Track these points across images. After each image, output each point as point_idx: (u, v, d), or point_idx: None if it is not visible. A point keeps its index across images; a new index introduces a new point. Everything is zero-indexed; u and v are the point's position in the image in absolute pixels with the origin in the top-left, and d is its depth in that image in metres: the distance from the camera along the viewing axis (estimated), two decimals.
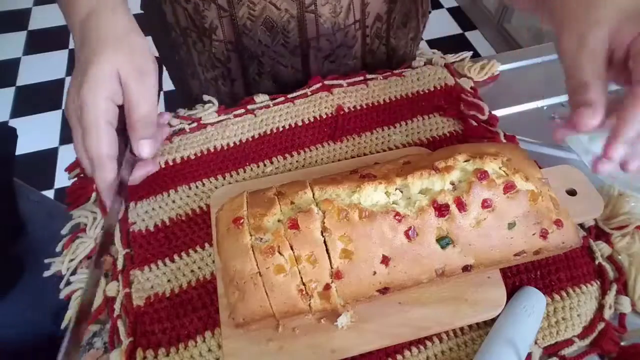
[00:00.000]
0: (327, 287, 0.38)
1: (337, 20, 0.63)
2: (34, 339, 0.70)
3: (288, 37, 0.63)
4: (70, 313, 0.46)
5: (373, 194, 0.40)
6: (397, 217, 0.38)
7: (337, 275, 0.38)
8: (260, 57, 0.64)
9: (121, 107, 0.44)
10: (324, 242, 0.38)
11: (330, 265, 0.38)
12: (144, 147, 0.45)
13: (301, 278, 0.37)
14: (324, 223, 0.38)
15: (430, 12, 0.75)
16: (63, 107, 2.09)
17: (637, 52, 0.36)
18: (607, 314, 0.45)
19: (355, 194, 0.40)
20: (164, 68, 0.75)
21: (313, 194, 0.41)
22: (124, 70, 0.43)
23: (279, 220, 0.39)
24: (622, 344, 0.44)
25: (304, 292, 0.38)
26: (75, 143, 0.44)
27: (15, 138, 0.72)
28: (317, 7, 0.60)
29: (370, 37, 0.67)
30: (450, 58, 0.66)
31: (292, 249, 0.37)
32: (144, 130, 0.44)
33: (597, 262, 0.48)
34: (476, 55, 0.69)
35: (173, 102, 2.07)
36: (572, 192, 0.50)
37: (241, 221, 0.39)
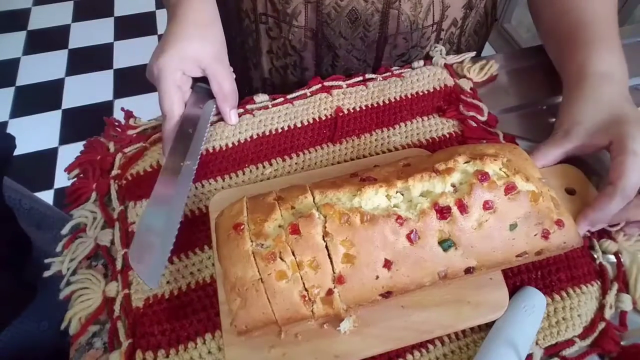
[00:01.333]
0: (329, 292, 0.38)
1: (417, 19, 0.63)
2: (38, 351, 0.69)
3: (368, 32, 0.64)
4: (71, 313, 0.46)
5: (374, 198, 0.40)
6: (398, 221, 0.38)
7: (339, 280, 0.38)
8: (337, 48, 0.65)
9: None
10: (326, 247, 0.38)
11: (333, 270, 0.38)
12: (233, 116, 0.58)
13: (303, 284, 0.37)
14: (326, 228, 0.38)
15: (496, 20, 0.76)
16: (63, 106, 2.10)
17: (615, 162, 0.46)
18: (608, 313, 0.45)
19: (356, 197, 0.39)
20: None
21: (313, 199, 0.40)
22: (207, 56, 0.54)
23: (279, 226, 0.39)
24: (623, 343, 0.44)
25: (306, 298, 0.37)
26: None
27: (12, 148, 0.71)
28: (401, 3, 0.61)
29: (443, 41, 0.68)
30: (452, 59, 0.66)
31: (293, 254, 0.37)
32: (231, 102, 0.57)
33: (597, 262, 0.48)
34: (476, 55, 0.69)
35: None
36: (571, 191, 0.50)
37: (241, 227, 0.39)
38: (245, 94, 0.80)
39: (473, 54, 0.66)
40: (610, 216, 0.46)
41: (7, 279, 0.65)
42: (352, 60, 0.67)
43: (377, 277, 0.38)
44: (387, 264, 0.38)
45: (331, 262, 0.38)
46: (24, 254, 0.70)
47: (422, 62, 0.65)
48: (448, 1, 0.63)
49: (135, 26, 2.47)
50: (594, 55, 0.53)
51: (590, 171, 0.55)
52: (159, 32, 2.44)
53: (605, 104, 0.50)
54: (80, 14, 2.53)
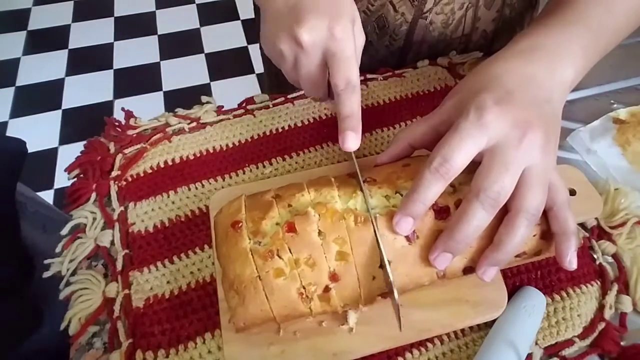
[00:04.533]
0: (326, 289, 0.38)
1: (446, 32, 0.62)
2: (40, 355, 0.69)
3: (394, 40, 0.63)
4: (71, 313, 0.46)
5: (372, 199, 0.40)
6: None
7: (333, 277, 0.37)
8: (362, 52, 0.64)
9: None
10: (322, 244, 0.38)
11: (328, 268, 0.38)
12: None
13: (300, 281, 0.37)
14: (319, 226, 0.38)
15: None
16: (63, 106, 2.10)
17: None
18: (608, 314, 0.45)
19: (353, 198, 0.39)
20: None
21: (310, 197, 0.40)
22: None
23: (277, 224, 0.39)
24: (622, 344, 0.44)
25: (303, 295, 0.37)
26: (291, 70, 0.44)
27: (25, 152, 0.71)
28: (431, 14, 0.60)
29: (469, 52, 0.67)
30: (457, 58, 0.65)
31: (290, 252, 0.37)
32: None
33: (597, 263, 0.48)
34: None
35: (173, 102, 2.08)
36: (571, 192, 0.50)
37: (239, 225, 0.39)
38: (270, 76, 0.82)
39: (480, 54, 0.66)
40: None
41: (11, 306, 0.64)
42: (374, 65, 0.66)
43: (374, 278, 0.38)
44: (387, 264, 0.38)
45: (326, 259, 0.38)
46: (28, 275, 0.69)
47: (426, 62, 0.65)
48: (480, 14, 0.63)
49: (135, 26, 2.47)
50: (531, 30, 0.44)
51: (591, 172, 0.55)
52: (159, 32, 2.45)
53: (489, 78, 0.39)
54: (80, 14, 2.53)
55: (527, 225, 0.36)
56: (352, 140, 0.40)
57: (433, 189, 0.36)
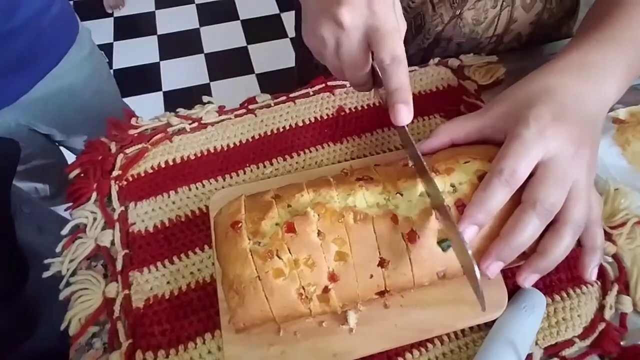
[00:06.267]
0: (325, 289, 0.38)
1: (476, 29, 0.62)
2: (38, 356, 0.69)
3: (427, 39, 0.63)
4: (71, 314, 0.46)
5: (370, 197, 0.40)
6: (394, 220, 0.38)
7: (332, 277, 0.38)
8: None
9: None
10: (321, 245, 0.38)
11: (327, 268, 0.38)
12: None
13: (300, 281, 0.37)
14: (318, 226, 0.38)
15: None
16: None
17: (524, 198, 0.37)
18: (608, 314, 0.45)
19: (351, 196, 0.39)
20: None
21: (309, 197, 0.40)
22: None
23: (276, 224, 0.39)
24: (622, 344, 0.44)
25: (303, 296, 0.38)
26: (333, 57, 0.43)
27: (18, 153, 0.71)
28: (463, 10, 0.60)
29: (498, 53, 0.67)
30: (468, 61, 0.65)
31: (290, 252, 0.37)
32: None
33: None
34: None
35: (172, 102, 2.07)
36: None
37: (239, 225, 0.39)
38: (300, 57, 0.82)
39: (495, 58, 0.65)
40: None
41: (4, 311, 0.64)
42: None
43: (372, 276, 0.38)
44: (385, 263, 0.38)
45: (325, 260, 0.38)
46: (23, 277, 0.68)
47: (436, 60, 0.65)
48: (516, 15, 0.62)
49: (135, 26, 2.47)
50: (582, 44, 0.45)
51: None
52: (158, 32, 2.44)
53: (542, 90, 0.41)
54: (80, 14, 2.51)
55: (573, 235, 0.37)
56: (404, 113, 0.39)
57: (500, 197, 0.37)
